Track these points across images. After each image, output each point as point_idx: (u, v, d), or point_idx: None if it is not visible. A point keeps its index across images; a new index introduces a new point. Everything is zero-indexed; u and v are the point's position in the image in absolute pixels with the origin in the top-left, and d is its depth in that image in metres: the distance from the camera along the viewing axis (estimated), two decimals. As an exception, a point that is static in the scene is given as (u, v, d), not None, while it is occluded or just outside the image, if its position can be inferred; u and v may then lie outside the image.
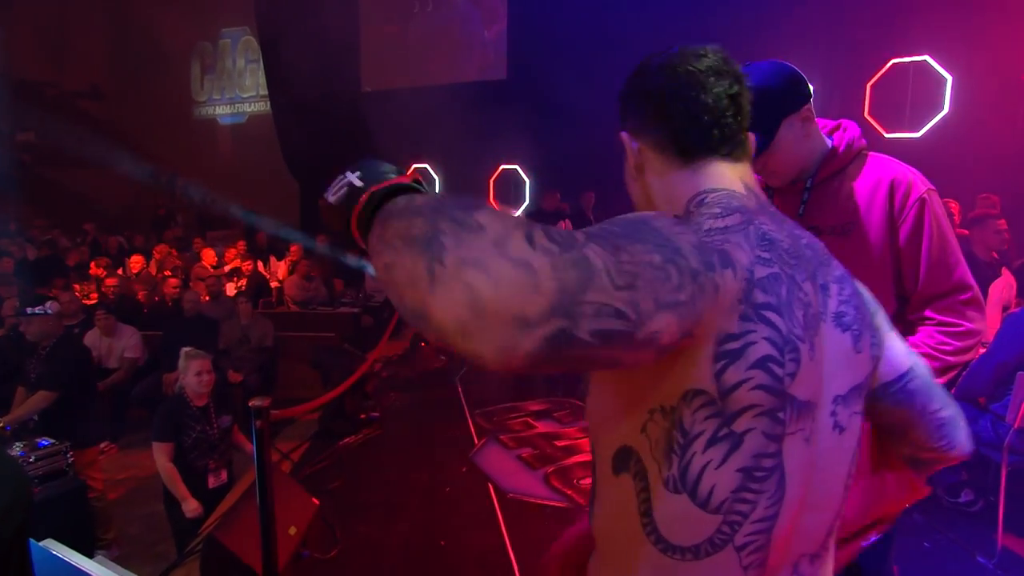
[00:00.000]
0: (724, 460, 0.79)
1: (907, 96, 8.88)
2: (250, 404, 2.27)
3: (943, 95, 8.75)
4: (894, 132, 8.93)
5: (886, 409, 1.02)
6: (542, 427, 4.97)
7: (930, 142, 8.77)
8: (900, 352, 1.02)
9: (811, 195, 1.71)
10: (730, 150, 0.93)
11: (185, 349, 3.83)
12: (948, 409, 1.03)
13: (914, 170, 1.64)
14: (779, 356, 0.78)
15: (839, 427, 0.89)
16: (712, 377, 0.76)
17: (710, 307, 0.73)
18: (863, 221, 1.62)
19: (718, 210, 0.83)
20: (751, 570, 0.82)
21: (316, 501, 3.48)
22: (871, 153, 1.69)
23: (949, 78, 8.63)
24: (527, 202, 12.27)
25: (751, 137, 0.97)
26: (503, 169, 12.70)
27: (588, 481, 4.11)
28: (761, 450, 0.79)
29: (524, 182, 12.49)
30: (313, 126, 12.58)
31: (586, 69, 10.54)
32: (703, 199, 0.88)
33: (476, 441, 4.78)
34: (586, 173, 9.83)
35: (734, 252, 0.77)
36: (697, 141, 0.92)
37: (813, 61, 8.31)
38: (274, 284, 9.21)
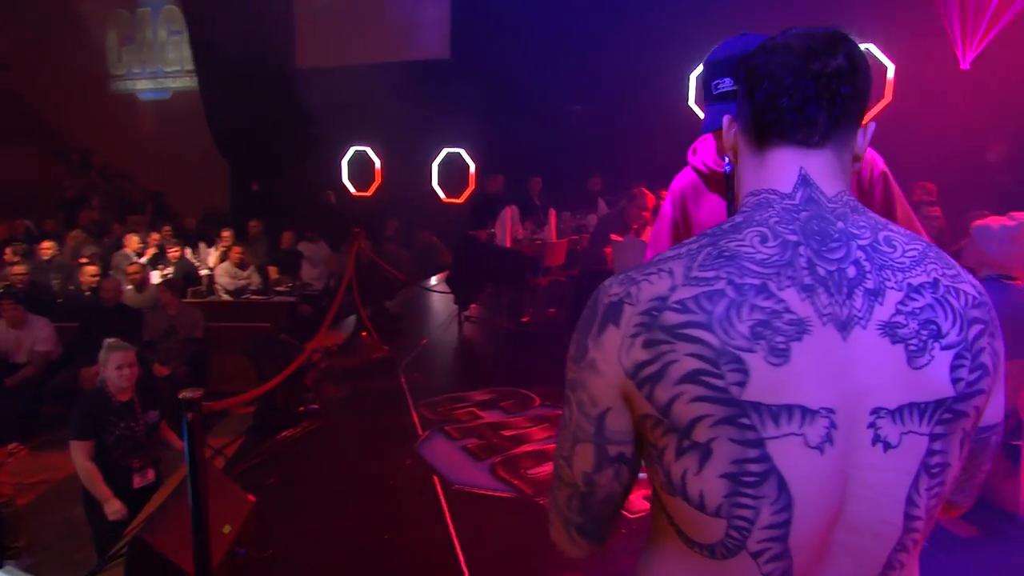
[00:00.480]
0: (701, 468, 0.85)
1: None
2: (180, 396, 2.18)
3: (885, 84, 9.03)
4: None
5: None
6: (488, 417, 4.96)
7: (875, 130, 9.05)
8: (1000, 402, 0.98)
9: None
10: (805, 136, 0.92)
11: (107, 340, 3.68)
12: (983, 476, 1.03)
13: (871, 150, 1.71)
14: (713, 368, 0.82)
15: (884, 443, 0.85)
16: (646, 401, 0.86)
17: (601, 375, 0.90)
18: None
19: (703, 234, 0.93)
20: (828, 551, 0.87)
21: (252, 498, 3.40)
22: None
23: (891, 66, 8.92)
24: (471, 187, 12.23)
25: (860, 125, 0.95)
26: (447, 152, 12.62)
27: (536, 471, 4.12)
28: (740, 456, 0.83)
29: (468, 166, 12.43)
30: (244, 104, 12.22)
31: (533, 50, 10.53)
32: (743, 203, 0.95)
33: (420, 432, 4.73)
34: (533, 158, 9.85)
35: (641, 290, 0.88)
36: (769, 124, 0.93)
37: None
38: (204, 272, 8.94)
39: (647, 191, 6.41)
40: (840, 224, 0.89)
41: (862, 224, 0.90)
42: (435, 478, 4.06)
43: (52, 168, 14.02)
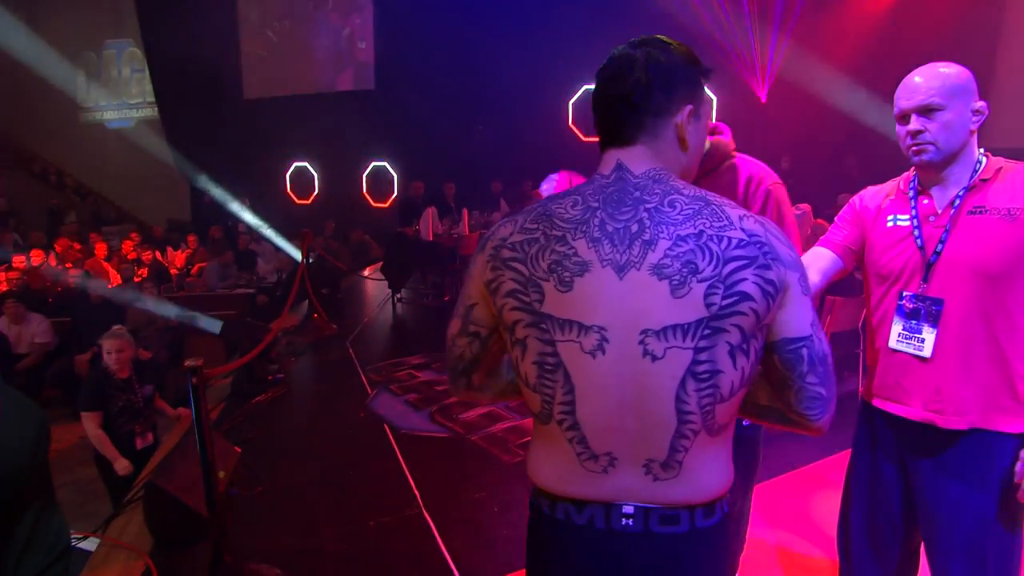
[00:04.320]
0: (523, 356, 0.98)
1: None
2: (185, 364, 2.21)
3: (711, 114, 9.56)
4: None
5: (774, 363, 0.97)
6: (424, 376, 5.06)
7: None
8: (804, 319, 0.94)
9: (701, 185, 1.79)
10: (619, 140, 1.00)
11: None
12: (823, 388, 0.96)
13: (769, 169, 1.69)
14: (523, 289, 0.96)
15: (651, 355, 0.90)
16: (492, 305, 1.02)
17: (474, 281, 1.04)
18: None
19: (547, 198, 1.04)
20: (574, 443, 0.96)
21: (238, 449, 3.41)
22: (738, 154, 1.73)
23: (714, 98, 9.45)
24: (396, 192, 12.15)
25: (659, 123, 0.99)
26: (374, 165, 12.47)
27: (466, 415, 4.22)
28: (541, 350, 0.96)
29: (392, 176, 12.33)
30: (202, 130, 11.70)
31: (443, 78, 10.57)
32: None
33: (369, 391, 4.79)
34: (445, 167, 9.91)
35: (497, 232, 1.03)
36: (600, 135, 1.04)
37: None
38: (173, 272, 8.57)
39: (538, 192, 6.58)
40: (636, 193, 0.95)
41: (656, 191, 0.95)
42: (385, 426, 4.12)
43: (31, 188, 13.01)
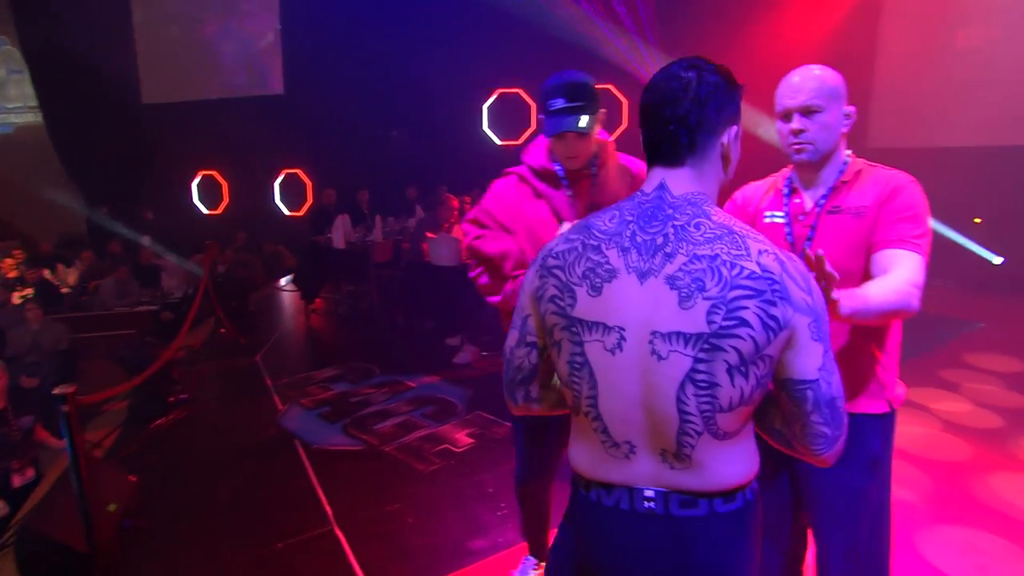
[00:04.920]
0: (559, 355, 1.09)
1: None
2: (54, 392, 2.03)
3: (622, 114, 9.84)
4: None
5: (783, 398, 1.03)
6: (337, 388, 4.91)
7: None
8: (811, 364, 0.99)
9: (596, 178, 2.00)
10: (666, 160, 1.06)
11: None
12: (828, 428, 1.01)
13: (642, 163, 1.89)
14: (560, 294, 1.06)
15: (657, 355, 0.98)
16: (538, 311, 1.11)
17: (526, 292, 1.14)
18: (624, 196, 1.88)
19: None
20: (599, 433, 1.06)
21: (133, 478, 3.19)
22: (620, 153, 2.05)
23: (625, 102, 9.74)
24: (310, 201, 11.77)
25: (708, 143, 1.05)
26: (286, 173, 12.04)
27: (380, 426, 4.15)
28: (573, 351, 1.05)
29: (306, 184, 11.95)
30: (92, 137, 10.89)
31: (355, 84, 10.34)
32: None
33: (280, 407, 4.61)
34: (359, 174, 9.69)
35: (548, 245, 1.13)
36: (648, 151, 1.10)
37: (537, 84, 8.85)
38: (65, 291, 7.93)
39: (452, 196, 6.55)
40: (670, 211, 1.03)
41: (687, 212, 1.02)
42: (296, 442, 3.98)
43: None
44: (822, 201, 1.63)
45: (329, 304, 7.92)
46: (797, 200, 1.67)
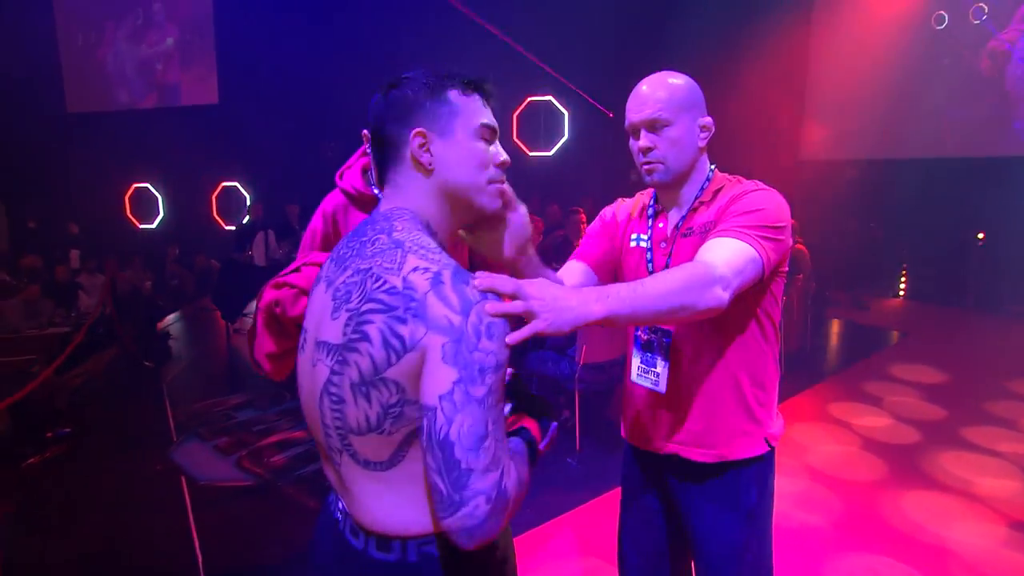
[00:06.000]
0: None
1: (540, 125, 9.77)
2: None
3: (564, 125, 9.76)
4: (535, 151, 9.78)
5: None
6: (241, 416, 4.58)
7: (557, 159, 9.77)
8: (434, 389, 0.85)
9: None
10: (377, 183, 1.09)
11: None
12: (439, 479, 0.84)
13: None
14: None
15: (312, 361, 0.98)
16: None
17: None
18: None
19: None
20: (313, 431, 1.02)
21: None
22: None
23: (566, 113, 9.65)
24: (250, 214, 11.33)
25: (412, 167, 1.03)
26: (224, 186, 11.60)
27: (277, 457, 3.87)
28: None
29: (245, 197, 11.50)
30: (14, 146, 10.28)
31: (288, 99, 10.02)
32: None
33: (175, 439, 4.24)
34: (297, 188, 9.33)
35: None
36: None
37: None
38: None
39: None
40: (370, 228, 1.01)
41: (376, 228, 0.99)
42: (182, 478, 3.64)
43: None
44: (680, 223, 1.46)
45: (251, 324, 7.50)
46: (661, 224, 1.51)
